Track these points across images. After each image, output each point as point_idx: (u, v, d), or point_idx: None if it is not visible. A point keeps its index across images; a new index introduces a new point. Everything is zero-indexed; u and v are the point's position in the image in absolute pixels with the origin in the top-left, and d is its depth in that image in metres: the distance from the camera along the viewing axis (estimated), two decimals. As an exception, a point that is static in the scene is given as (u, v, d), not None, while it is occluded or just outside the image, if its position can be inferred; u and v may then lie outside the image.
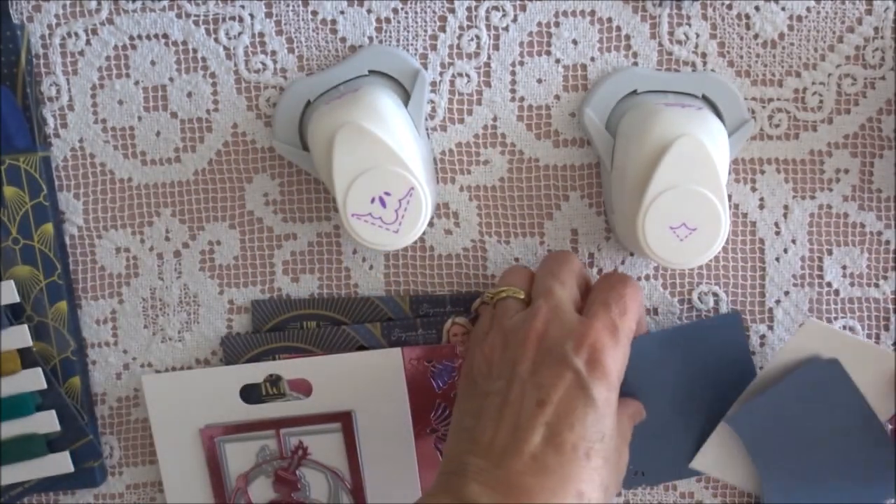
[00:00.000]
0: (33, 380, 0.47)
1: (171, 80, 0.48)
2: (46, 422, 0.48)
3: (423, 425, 0.49)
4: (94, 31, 0.48)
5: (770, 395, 0.45)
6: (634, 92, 0.46)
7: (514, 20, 0.47)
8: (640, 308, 0.44)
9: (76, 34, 0.48)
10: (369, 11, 0.47)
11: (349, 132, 0.40)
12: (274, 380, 0.49)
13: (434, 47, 0.47)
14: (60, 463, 0.49)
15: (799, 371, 0.45)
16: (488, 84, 0.48)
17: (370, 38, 0.47)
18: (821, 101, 0.47)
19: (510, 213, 0.49)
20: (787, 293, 0.49)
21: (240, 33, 0.48)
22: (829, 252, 0.49)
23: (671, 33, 0.47)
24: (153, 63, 0.48)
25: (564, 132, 0.48)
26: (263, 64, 0.48)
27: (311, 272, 0.50)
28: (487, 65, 0.48)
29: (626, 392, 0.46)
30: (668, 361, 0.48)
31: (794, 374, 0.45)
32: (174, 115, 0.48)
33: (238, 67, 0.48)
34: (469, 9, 0.47)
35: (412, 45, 0.47)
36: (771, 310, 0.49)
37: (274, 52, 0.48)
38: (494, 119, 0.48)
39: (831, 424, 0.45)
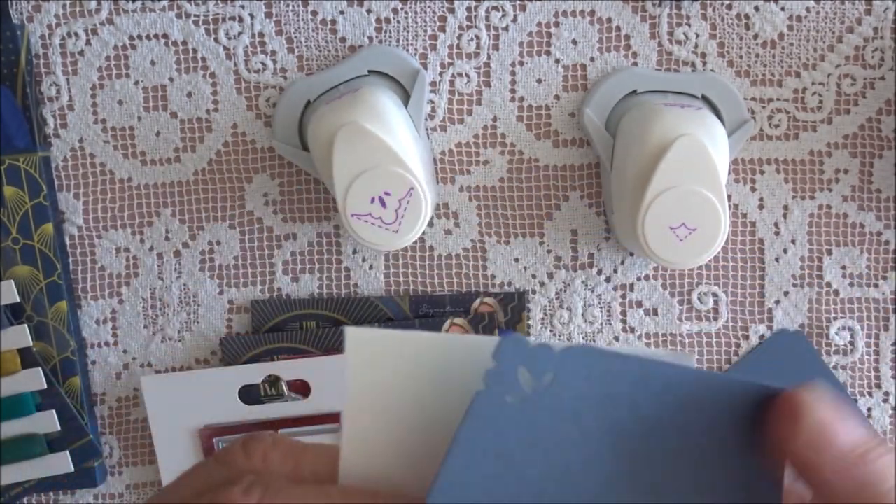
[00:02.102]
0: (33, 380, 0.47)
1: (171, 80, 0.48)
2: (46, 422, 0.48)
3: (423, 425, 0.49)
4: (94, 31, 0.48)
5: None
6: (634, 92, 0.46)
7: (514, 20, 0.47)
8: None
9: (76, 34, 0.48)
10: (369, 11, 0.47)
11: (349, 132, 0.40)
12: (272, 381, 0.49)
13: (434, 47, 0.47)
14: (60, 463, 0.49)
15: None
16: (488, 84, 0.48)
17: (370, 38, 0.47)
18: (820, 102, 0.47)
19: (510, 213, 0.49)
20: (786, 293, 0.49)
21: (240, 33, 0.48)
22: (829, 252, 0.49)
23: (671, 33, 0.47)
24: (153, 63, 0.48)
25: (564, 132, 0.48)
26: (263, 64, 0.48)
27: (311, 272, 0.50)
28: (487, 65, 0.48)
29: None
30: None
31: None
32: (174, 115, 0.48)
33: (238, 67, 0.48)
34: (469, 9, 0.47)
35: (412, 45, 0.47)
36: (770, 310, 0.49)
37: (274, 52, 0.48)
38: (494, 119, 0.48)
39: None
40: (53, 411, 0.48)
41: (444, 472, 0.21)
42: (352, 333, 0.22)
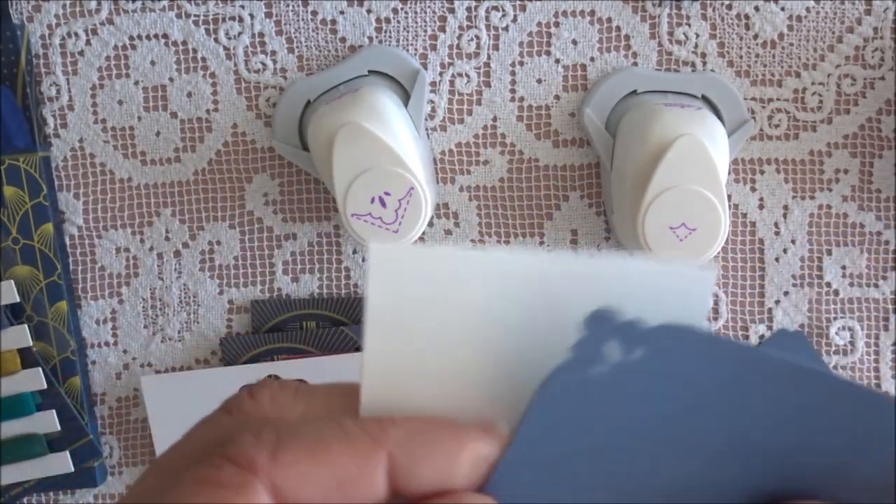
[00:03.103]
0: (33, 380, 0.47)
1: (171, 80, 0.48)
2: (46, 422, 0.48)
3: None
4: (94, 31, 0.48)
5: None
6: (634, 92, 0.46)
7: (514, 20, 0.47)
8: None
9: (76, 34, 0.48)
10: (369, 11, 0.47)
11: (349, 132, 0.40)
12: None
13: (434, 47, 0.47)
14: (60, 463, 0.49)
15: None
16: (488, 84, 0.48)
17: (370, 38, 0.47)
18: (820, 102, 0.47)
19: (510, 213, 0.49)
20: (786, 293, 0.49)
21: (240, 33, 0.48)
22: (829, 252, 0.49)
23: (671, 33, 0.47)
24: (153, 63, 0.48)
25: (564, 132, 0.48)
26: (263, 64, 0.48)
27: (311, 272, 0.50)
28: (487, 65, 0.48)
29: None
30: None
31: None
32: (174, 115, 0.48)
33: (238, 67, 0.48)
34: (469, 9, 0.47)
35: (412, 45, 0.47)
36: (770, 310, 0.49)
37: (274, 52, 0.48)
38: (494, 119, 0.48)
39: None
40: (53, 411, 0.48)
41: (517, 441, 0.20)
42: (376, 249, 0.20)
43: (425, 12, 0.47)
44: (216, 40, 0.48)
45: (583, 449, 0.21)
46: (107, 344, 0.50)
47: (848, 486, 0.22)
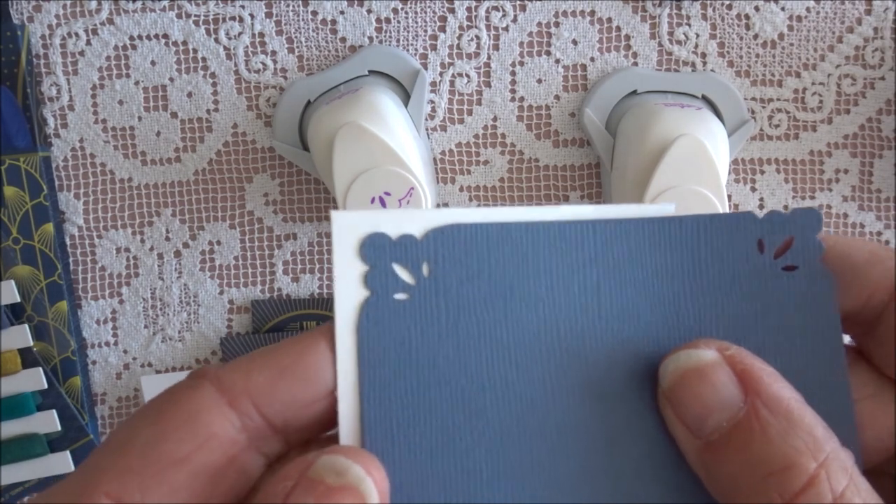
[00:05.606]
0: (34, 379, 0.47)
1: (171, 80, 0.48)
2: (47, 422, 0.48)
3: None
4: (95, 32, 0.48)
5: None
6: (634, 92, 0.46)
7: (514, 20, 0.47)
8: None
9: (76, 34, 0.48)
10: (369, 11, 0.47)
11: (349, 132, 0.40)
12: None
13: (434, 47, 0.47)
14: (61, 463, 0.49)
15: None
16: (488, 84, 0.48)
17: (370, 38, 0.47)
18: (820, 102, 0.47)
19: (510, 213, 0.49)
20: (786, 293, 0.49)
21: (240, 33, 0.48)
22: (829, 252, 0.49)
23: (671, 33, 0.47)
24: (153, 63, 0.48)
25: (564, 132, 0.48)
26: (263, 64, 0.48)
27: (311, 272, 0.50)
28: (487, 65, 0.48)
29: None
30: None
31: None
32: (174, 115, 0.48)
33: (238, 67, 0.48)
34: (469, 9, 0.47)
35: (412, 45, 0.47)
36: (771, 310, 0.49)
37: (274, 52, 0.48)
38: (494, 119, 0.48)
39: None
40: (54, 411, 0.48)
41: (366, 395, 0.20)
42: (338, 216, 0.20)
43: (425, 12, 0.47)
44: (216, 40, 0.48)
45: (445, 375, 0.20)
46: (107, 344, 0.50)
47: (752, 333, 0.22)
